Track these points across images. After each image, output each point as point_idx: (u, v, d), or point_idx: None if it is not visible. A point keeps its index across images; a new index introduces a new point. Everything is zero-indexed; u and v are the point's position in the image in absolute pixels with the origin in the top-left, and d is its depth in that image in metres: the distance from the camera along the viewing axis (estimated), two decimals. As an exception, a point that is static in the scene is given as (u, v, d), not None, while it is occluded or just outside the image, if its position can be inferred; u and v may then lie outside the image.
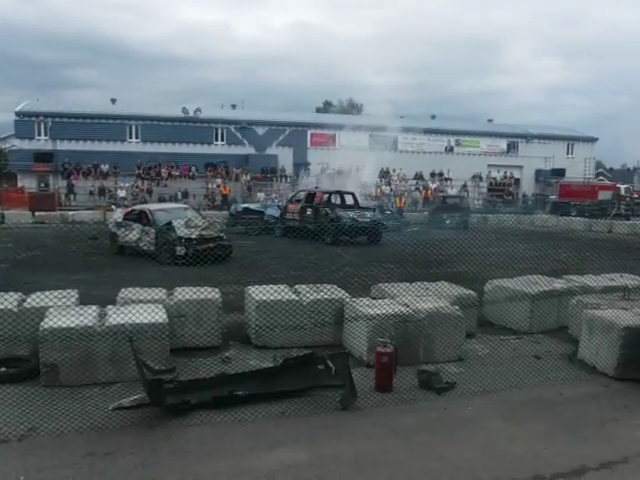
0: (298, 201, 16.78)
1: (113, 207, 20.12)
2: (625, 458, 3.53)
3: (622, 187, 29.95)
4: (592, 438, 3.80)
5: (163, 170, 27.93)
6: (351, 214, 15.00)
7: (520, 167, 35.46)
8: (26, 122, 28.81)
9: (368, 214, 15.42)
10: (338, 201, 16.82)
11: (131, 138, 30.08)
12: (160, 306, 4.99)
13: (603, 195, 27.89)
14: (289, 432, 3.75)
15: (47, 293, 5.16)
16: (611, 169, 45.15)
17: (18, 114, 29.01)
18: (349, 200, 16.82)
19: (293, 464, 3.35)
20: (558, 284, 6.57)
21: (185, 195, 26.58)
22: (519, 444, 3.69)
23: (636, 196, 29.87)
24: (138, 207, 13.71)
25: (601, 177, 38.18)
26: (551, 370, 4.99)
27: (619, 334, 4.81)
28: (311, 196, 16.55)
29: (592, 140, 38.44)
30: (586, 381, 4.82)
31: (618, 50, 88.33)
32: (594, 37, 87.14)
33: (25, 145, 28.35)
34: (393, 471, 3.31)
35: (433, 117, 39.59)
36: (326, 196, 16.59)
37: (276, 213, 18.24)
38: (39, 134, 28.79)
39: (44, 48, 78.69)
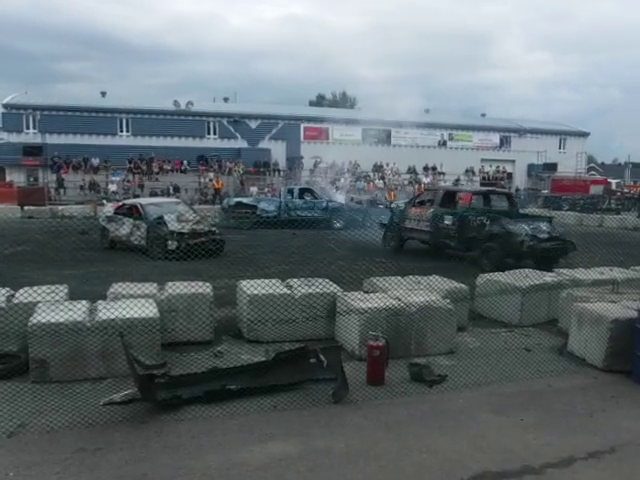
0: (427, 203, 11.70)
1: (104, 201, 19.94)
2: (612, 448, 3.58)
3: (613, 182, 30.27)
4: (580, 429, 3.85)
5: (154, 164, 27.69)
6: (525, 227, 9.55)
7: (512, 161, 35.65)
8: (14, 115, 28.39)
9: (543, 226, 9.86)
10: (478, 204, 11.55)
11: (122, 132, 29.77)
12: (151, 301, 4.96)
13: (594, 189, 28.21)
14: (281, 425, 3.76)
15: (36, 288, 5.11)
16: (602, 164, 45.57)
17: (5, 106, 28.57)
18: (501, 203, 11.75)
19: (285, 457, 3.36)
20: (548, 277, 6.63)
21: (177, 189, 26.41)
22: (509, 435, 3.73)
23: (627, 190, 30.22)
24: (129, 201, 13.59)
25: (592, 172, 38.55)
26: (541, 362, 5.04)
27: (608, 327, 4.87)
28: (450, 197, 11.28)
29: (584, 135, 38.69)
30: (575, 373, 4.88)
31: (608, 44, 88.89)
32: (584, 31, 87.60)
33: (13, 138, 27.94)
34: (384, 463, 3.33)
35: (426, 111, 39.60)
36: (476, 198, 11.26)
37: (269, 206, 18.08)
38: (27, 127, 28.40)
39: (33, 40, 77.56)
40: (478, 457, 3.41)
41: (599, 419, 4.01)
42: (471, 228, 10.11)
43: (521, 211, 12.02)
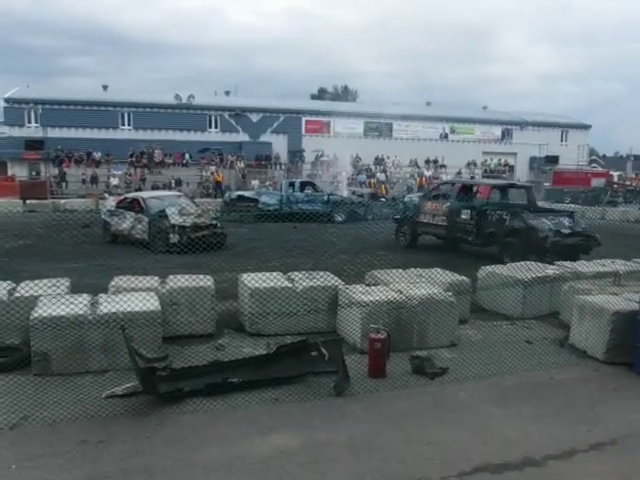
0: (442, 198, 11.29)
1: (106, 195, 19.95)
2: (614, 440, 3.58)
3: (615, 174, 30.11)
4: (581, 421, 3.85)
5: (157, 153, 27.55)
6: (547, 222, 9.26)
7: (514, 154, 35.45)
8: (16, 109, 28.32)
9: (565, 221, 9.52)
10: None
11: (123, 125, 29.70)
12: (153, 294, 4.96)
13: (596, 182, 28.08)
14: (282, 418, 3.76)
15: (37, 281, 5.12)
16: (604, 156, 45.33)
17: (7, 101, 28.50)
18: (518, 197, 11.25)
19: (286, 449, 3.36)
20: (550, 270, 6.61)
21: (179, 183, 26.36)
22: (510, 427, 3.73)
23: (628, 183, 30.10)
24: (131, 195, 13.58)
25: (594, 164, 38.37)
26: (542, 355, 5.04)
27: (609, 319, 4.86)
28: (467, 190, 11.00)
29: (585, 127, 38.42)
30: (576, 365, 4.88)
31: (610, 37, 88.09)
32: (587, 24, 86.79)
33: (15, 132, 27.89)
34: (386, 455, 3.33)
35: (428, 104, 39.38)
36: (495, 191, 10.85)
37: (271, 200, 18.04)
38: (29, 121, 28.36)
39: (35, 35, 77.21)
40: (480, 449, 3.42)
41: (600, 411, 4.00)
42: (490, 223, 9.79)
43: (540, 205, 11.41)
